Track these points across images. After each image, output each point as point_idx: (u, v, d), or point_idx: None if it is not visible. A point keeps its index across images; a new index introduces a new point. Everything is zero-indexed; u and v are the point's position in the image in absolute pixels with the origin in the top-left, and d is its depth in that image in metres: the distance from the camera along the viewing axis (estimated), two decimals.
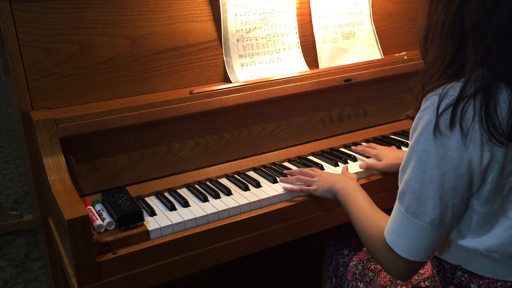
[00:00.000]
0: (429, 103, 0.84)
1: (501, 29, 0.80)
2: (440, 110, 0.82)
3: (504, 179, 0.85)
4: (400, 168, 0.92)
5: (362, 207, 1.07)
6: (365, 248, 1.26)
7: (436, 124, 0.82)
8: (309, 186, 1.24)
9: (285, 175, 1.31)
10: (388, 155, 1.35)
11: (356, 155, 1.44)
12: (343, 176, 1.24)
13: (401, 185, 0.91)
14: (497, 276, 0.92)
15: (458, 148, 0.82)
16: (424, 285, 1.08)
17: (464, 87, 0.82)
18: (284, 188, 1.24)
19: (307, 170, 1.29)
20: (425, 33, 0.92)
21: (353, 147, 1.47)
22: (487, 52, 0.81)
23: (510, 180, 0.85)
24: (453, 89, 0.83)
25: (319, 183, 1.23)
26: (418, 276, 1.13)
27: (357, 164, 1.39)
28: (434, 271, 1.03)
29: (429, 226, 0.87)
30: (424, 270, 1.17)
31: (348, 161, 1.40)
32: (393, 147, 1.46)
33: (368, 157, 1.42)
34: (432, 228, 0.87)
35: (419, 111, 0.87)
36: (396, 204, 0.92)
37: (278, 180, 1.30)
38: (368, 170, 1.35)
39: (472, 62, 0.82)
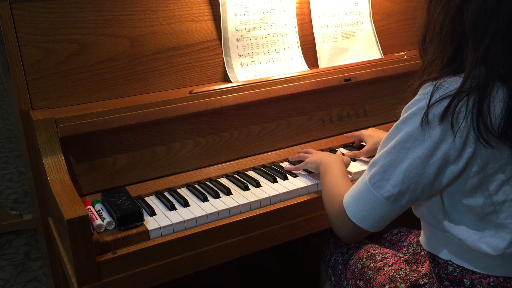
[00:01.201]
0: (425, 92, 0.87)
1: (500, 29, 0.82)
2: (432, 101, 0.85)
3: (489, 176, 0.87)
4: (381, 142, 0.96)
5: (335, 177, 1.15)
6: (364, 247, 1.26)
7: (426, 113, 0.85)
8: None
9: (286, 176, 1.32)
10: (370, 137, 1.41)
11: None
12: (332, 154, 1.33)
13: (375, 156, 0.95)
14: (488, 271, 0.93)
15: (439, 139, 0.85)
16: (422, 282, 1.09)
17: (463, 86, 0.83)
18: (286, 168, 1.38)
19: (304, 150, 1.40)
20: (424, 31, 0.93)
21: (346, 135, 1.54)
22: (486, 51, 0.82)
23: (497, 177, 0.87)
24: (448, 82, 0.85)
25: (310, 157, 1.32)
26: (417, 274, 1.14)
27: (357, 163, 1.39)
28: (430, 268, 1.04)
29: (384, 200, 0.92)
30: (422, 268, 1.18)
31: None
32: (375, 128, 1.52)
33: (368, 157, 1.43)
34: (386, 203, 0.92)
35: (416, 95, 0.89)
36: (364, 172, 0.97)
37: (277, 180, 1.30)
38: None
39: (471, 60, 0.84)
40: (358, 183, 0.98)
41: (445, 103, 0.84)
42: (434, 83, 0.86)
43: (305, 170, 1.35)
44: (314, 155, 1.34)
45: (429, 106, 0.85)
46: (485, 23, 0.82)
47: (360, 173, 1.34)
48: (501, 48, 0.82)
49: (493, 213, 0.90)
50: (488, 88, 0.83)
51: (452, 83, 0.85)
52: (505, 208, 0.89)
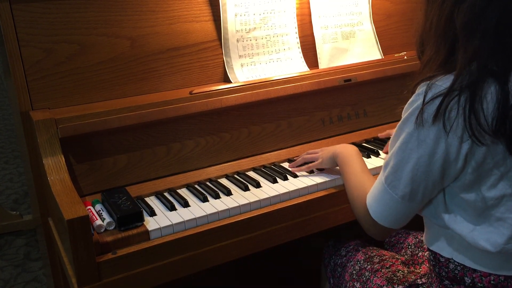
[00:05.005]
0: (420, 91, 0.89)
1: (488, 31, 0.84)
2: (426, 99, 0.86)
3: (486, 171, 0.88)
4: (390, 139, 0.98)
5: (354, 170, 1.17)
6: (362, 249, 1.26)
7: (421, 111, 0.87)
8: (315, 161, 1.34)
9: (286, 176, 1.32)
10: None
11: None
12: (343, 144, 1.32)
13: (387, 156, 0.97)
14: (489, 269, 0.94)
15: (437, 137, 0.86)
16: (420, 282, 1.09)
17: (453, 84, 0.85)
18: (293, 170, 1.35)
19: (310, 151, 1.38)
20: (421, 33, 0.95)
21: (379, 135, 1.57)
22: (475, 52, 0.84)
23: (494, 172, 0.88)
24: (441, 81, 0.87)
25: (322, 154, 1.32)
26: (414, 275, 1.14)
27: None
28: (430, 268, 1.04)
29: (400, 199, 0.94)
30: (420, 269, 1.18)
31: None
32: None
33: (368, 156, 1.43)
34: (403, 202, 0.94)
35: (413, 95, 0.91)
36: (381, 172, 0.98)
37: (278, 180, 1.30)
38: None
39: (461, 60, 0.85)
40: (376, 183, 1.00)
41: (437, 101, 0.85)
42: (428, 82, 0.88)
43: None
44: (325, 151, 1.32)
45: (423, 104, 0.86)
46: (475, 24, 0.84)
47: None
48: (490, 48, 0.84)
49: (491, 207, 0.90)
50: (479, 85, 0.84)
51: (445, 81, 0.86)
52: (503, 202, 0.90)
